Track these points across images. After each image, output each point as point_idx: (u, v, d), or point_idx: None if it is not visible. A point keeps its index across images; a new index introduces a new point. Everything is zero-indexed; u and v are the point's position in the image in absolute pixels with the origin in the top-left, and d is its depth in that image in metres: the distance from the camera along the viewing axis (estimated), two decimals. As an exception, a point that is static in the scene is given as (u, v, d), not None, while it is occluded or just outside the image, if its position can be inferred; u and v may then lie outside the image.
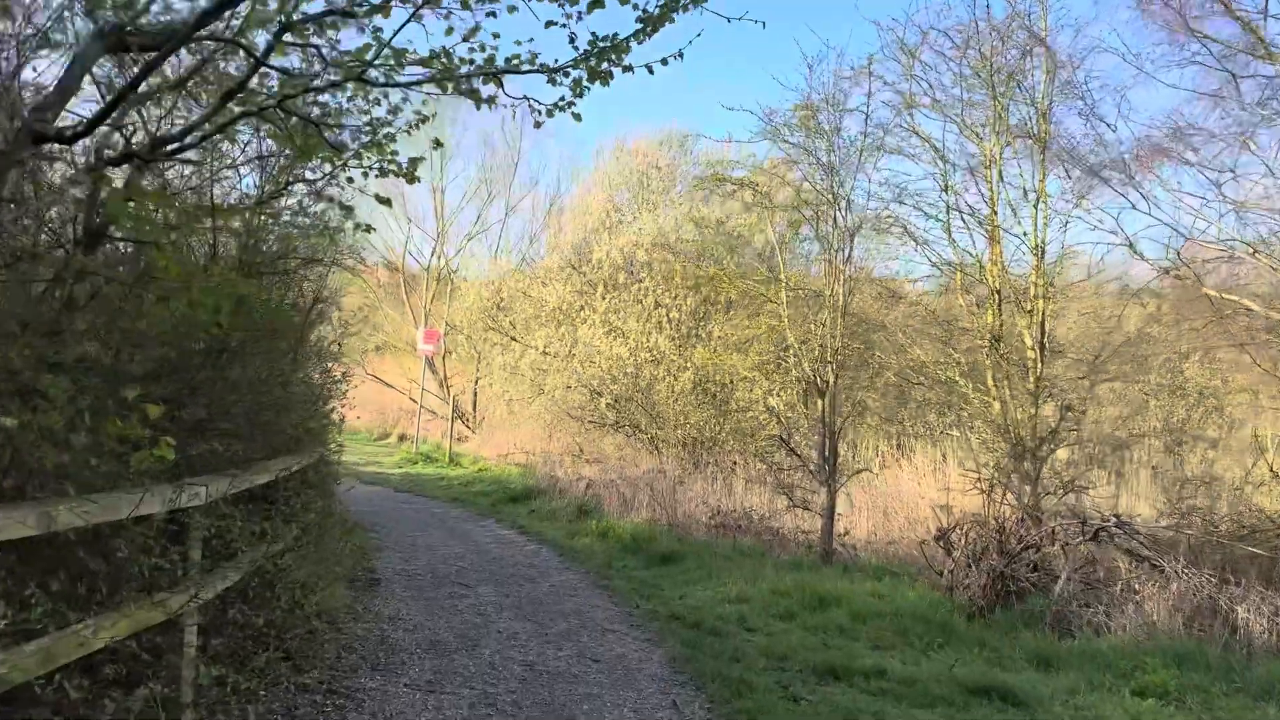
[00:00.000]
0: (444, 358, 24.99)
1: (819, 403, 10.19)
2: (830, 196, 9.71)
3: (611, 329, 17.28)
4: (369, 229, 6.05)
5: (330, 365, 8.69)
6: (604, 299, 17.45)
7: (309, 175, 5.85)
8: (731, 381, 15.72)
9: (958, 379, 10.39)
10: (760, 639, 6.70)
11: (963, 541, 8.91)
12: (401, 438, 24.76)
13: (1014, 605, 8.17)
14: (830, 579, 8.89)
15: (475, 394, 24.70)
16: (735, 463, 15.51)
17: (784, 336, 10.45)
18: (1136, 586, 7.62)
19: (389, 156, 5.74)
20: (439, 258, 27.52)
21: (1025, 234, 10.46)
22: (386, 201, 6.21)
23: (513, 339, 20.01)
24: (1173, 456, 11.99)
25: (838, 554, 10.51)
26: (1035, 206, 10.32)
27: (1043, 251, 10.46)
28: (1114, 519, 7.89)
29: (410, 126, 5.80)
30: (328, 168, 5.85)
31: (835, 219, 9.79)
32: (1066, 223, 10.58)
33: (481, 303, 20.89)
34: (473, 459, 20.26)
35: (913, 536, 12.27)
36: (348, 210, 5.60)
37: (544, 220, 25.70)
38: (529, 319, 19.88)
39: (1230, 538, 8.62)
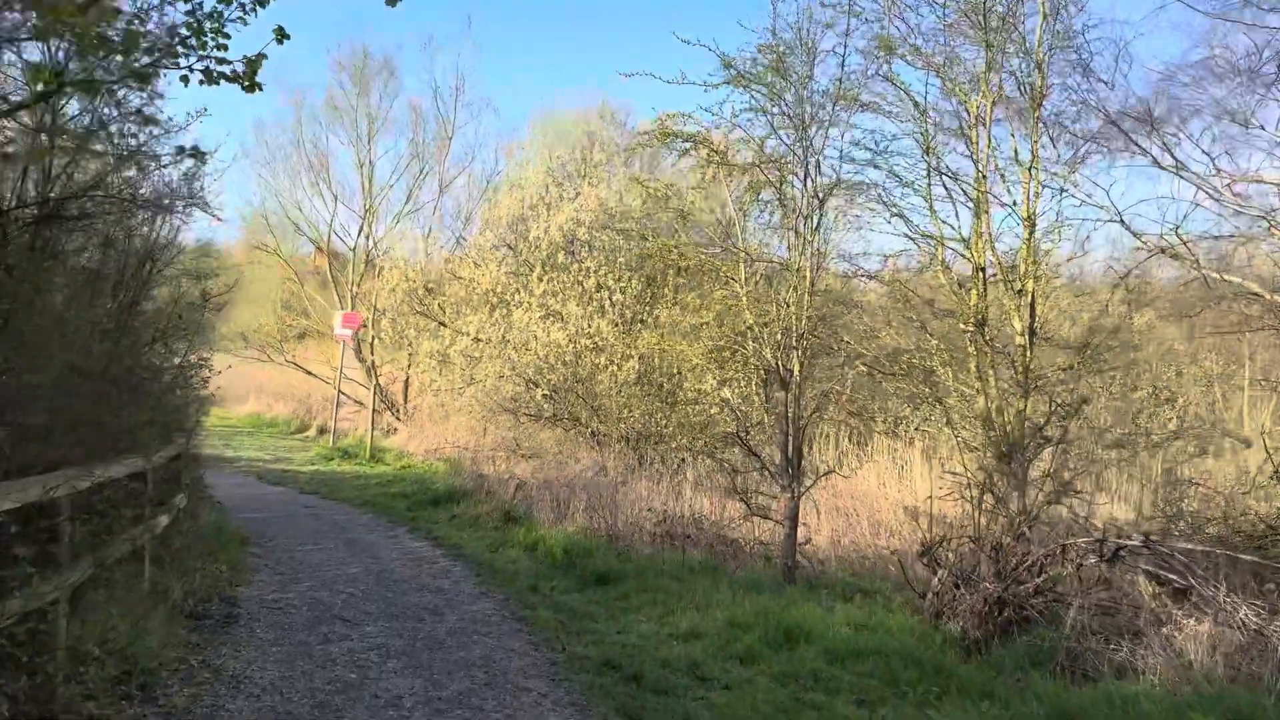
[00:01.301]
0: (370, 344, 23.11)
1: (781, 395, 8.81)
2: (800, 153, 8.30)
3: (549, 313, 15.74)
4: (198, 155, 4.45)
5: (185, 347, 6.99)
6: (541, 281, 15.89)
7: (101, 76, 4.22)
8: (680, 371, 14.31)
9: (938, 368, 9.09)
10: (718, 695, 5.26)
11: (951, 558, 7.60)
12: (322, 430, 22.88)
13: (1015, 637, 6.88)
14: (796, 603, 7.50)
15: (407, 384, 22.91)
16: (683, 460, 14.14)
17: (741, 319, 9.04)
18: (1163, 617, 6.37)
19: (215, 54, 4.14)
20: (368, 238, 25.60)
21: (1015, 203, 9.20)
22: (198, 155, 4.62)
23: (441, 324, 18.32)
24: (1164, 456, 10.88)
25: (800, 567, 9.15)
26: (1029, 170, 9.05)
27: (1034, 224, 9.20)
28: (1141, 537, 6.62)
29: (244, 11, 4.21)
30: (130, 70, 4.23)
31: (806, 178, 8.37)
32: (1062, 191, 9.33)
33: (407, 284, 19.13)
34: (398, 454, 18.57)
35: (879, 544, 11.02)
36: (148, 122, 4.00)
37: (479, 198, 23.94)
38: (459, 303, 18.22)
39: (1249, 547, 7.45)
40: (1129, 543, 6.59)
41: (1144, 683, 5.77)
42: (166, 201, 5.77)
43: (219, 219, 6.30)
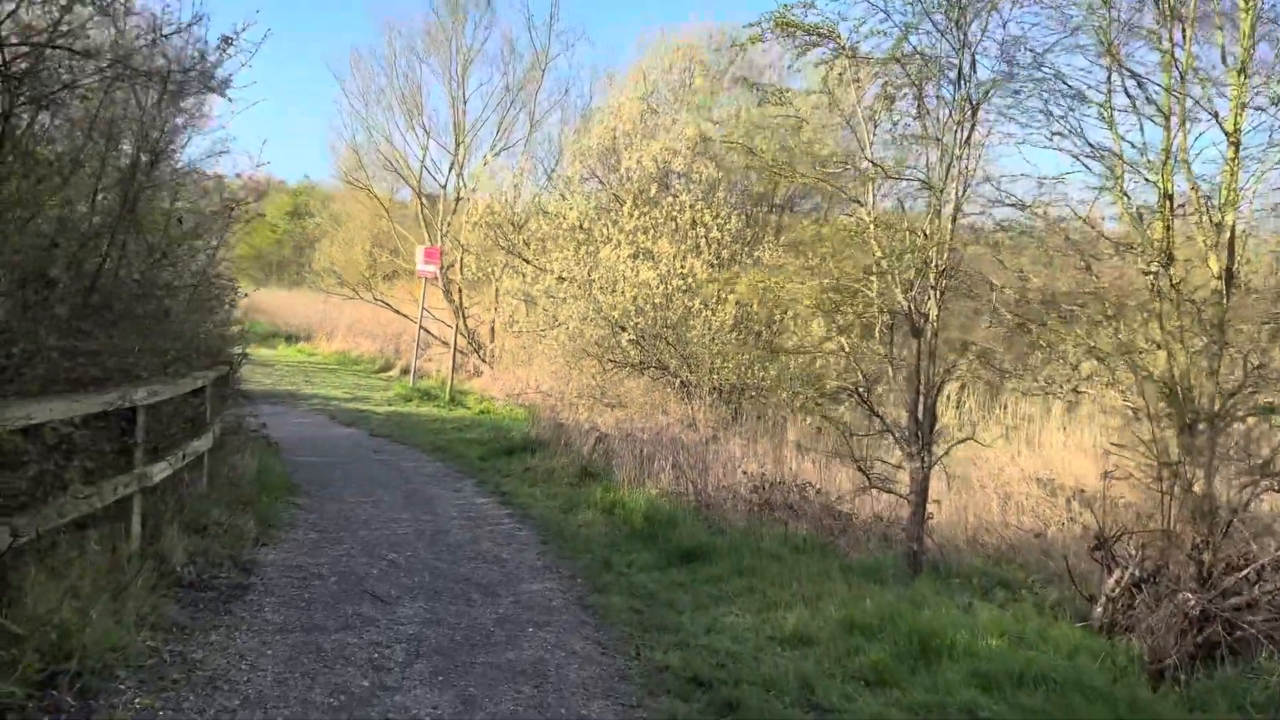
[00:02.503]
0: (457, 284, 22.19)
1: (913, 345, 7.28)
2: (955, 41, 6.64)
3: (639, 250, 14.36)
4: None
5: (204, 262, 5.89)
6: (632, 216, 14.49)
7: None
8: (781, 317, 12.79)
9: (1108, 317, 7.39)
10: (841, 738, 3.93)
11: (1133, 555, 6.03)
12: (405, 370, 22.19)
13: (1221, 664, 5.32)
14: (927, 600, 6.08)
15: (493, 325, 21.98)
16: (783, 417, 12.70)
17: (866, 252, 7.49)
18: None
19: None
20: (458, 175, 24.59)
21: (1218, 115, 7.33)
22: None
23: (525, 260, 17.15)
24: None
25: (926, 551, 7.68)
26: (1239, 73, 7.16)
27: (1239, 142, 7.33)
28: None
29: None
30: None
31: (959, 78, 6.72)
32: (1276, 104, 7.40)
33: (492, 218, 17.99)
34: (478, 398, 17.67)
35: (1009, 522, 9.44)
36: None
37: (574, 131, 22.57)
38: (545, 239, 16.99)
39: None
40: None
41: None
42: (166, 72, 4.60)
43: (227, 98, 5.04)
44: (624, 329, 14.21)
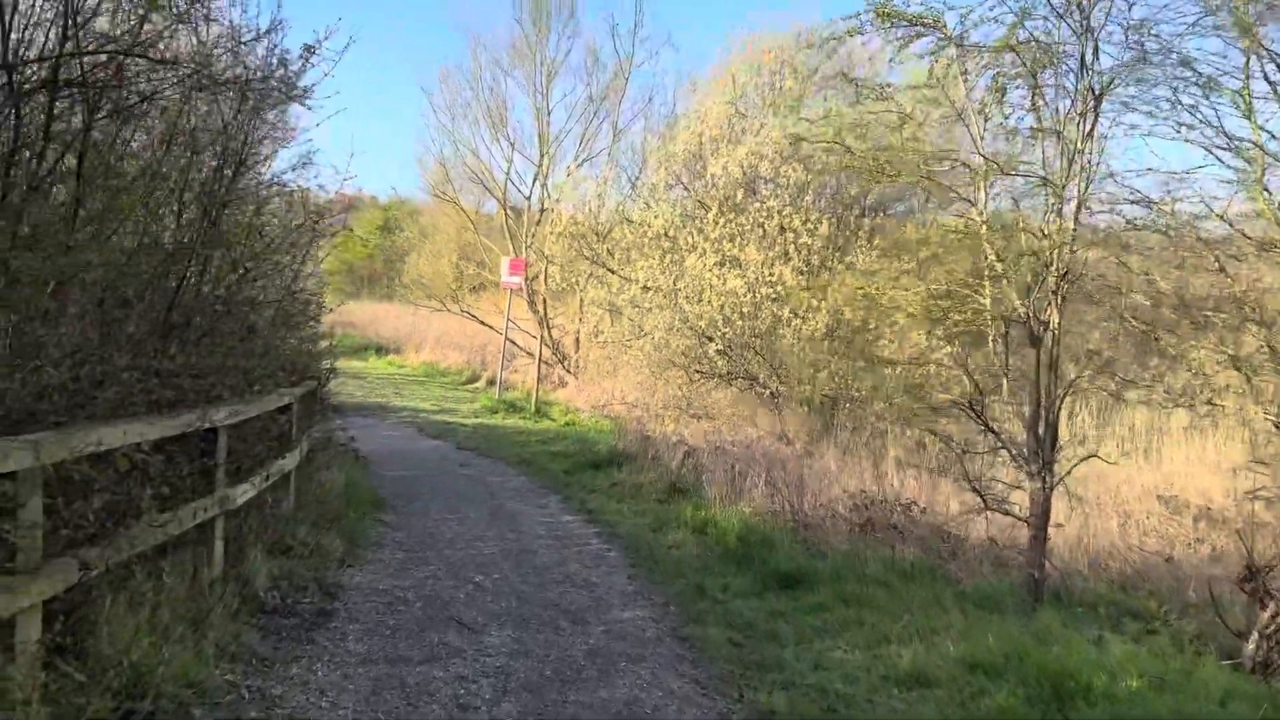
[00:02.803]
0: (541, 295, 22.18)
1: (1032, 354, 6.73)
2: (1078, 24, 6.10)
3: (725, 259, 13.99)
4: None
5: (289, 276, 5.78)
6: (718, 223, 14.12)
7: None
8: (877, 325, 12.24)
9: (1257, 323, 6.71)
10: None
11: (1292, 591, 5.39)
12: (491, 382, 22.26)
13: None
14: (1053, 633, 5.54)
15: (577, 336, 21.88)
16: (881, 430, 12.13)
17: (977, 254, 6.96)
18: None
19: None
20: (543, 186, 24.65)
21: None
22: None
23: (609, 270, 16.96)
24: None
25: (1048, 577, 7.09)
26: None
27: (1403, 127, 6.57)
28: None
29: None
30: None
31: (1082, 67, 6.18)
32: None
33: (576, 228, 17.86)
34: (563, 409, 17.51)
35: (1130, 543, 8.73)
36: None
37: (658, 138, 22.35)
38: (629, 248, 16.76)
39: None
40: None
41: None
42: (245, 80, 4.47)
43: (307, 106, 4.90)
44: (711, 339, 13.85)
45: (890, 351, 11.77)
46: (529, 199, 24.97)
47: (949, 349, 7.93)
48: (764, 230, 13.82)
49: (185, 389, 3.95)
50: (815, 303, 13.14)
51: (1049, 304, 6.67)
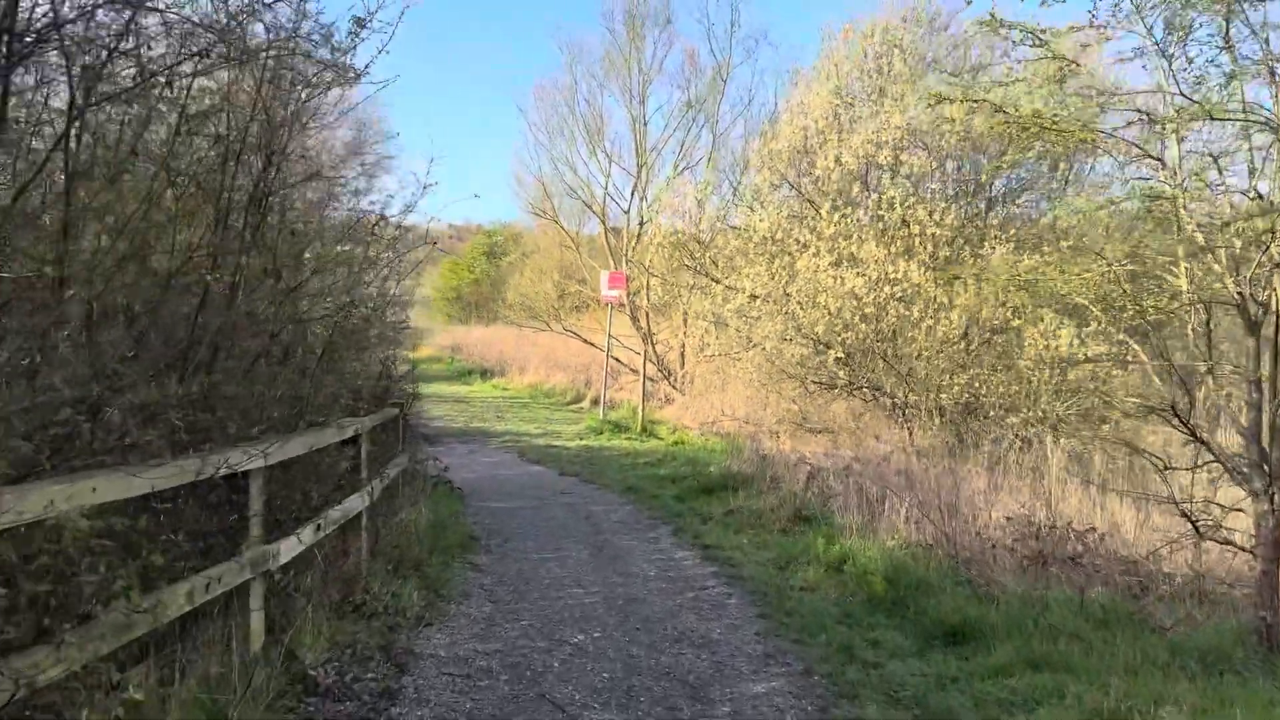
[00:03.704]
0: (644, 309, 21.33)
1: (1249, 344, 5.37)
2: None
3: (841, 258, 12.78)
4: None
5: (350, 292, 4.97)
6: (831, 219, 12.93)
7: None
8: (1021, 322, 10.85)
9: None
10: None
11: None
12: (595, 401, 21.52)
13: None
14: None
15: (683, 350, 20.92)
16: (1025, 440, 10.67)
17: (1167, 224, 5.65)
18: None
19: None
20: (641, 198, 23.90)
21: None
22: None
23: (713, 279, 15.94)
24: None
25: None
26: None
27: None
28: None
29: None
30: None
31: None
32: None
33: (676, 238, 16.93)
34: (671, 427, 16.55)
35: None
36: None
37: (759, 138, 21.29)
38: (733, 254, 15.71)
39: None
40: None
41: None
42: (267, 46, 3.71)
43: (356, 80, 4.10)
44: (829, 346, 12.64)
45: (1039, 351, 10.37)
46: (627, 213, 24.29)
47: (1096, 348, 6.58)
48: (884, 223, 12.57)
49: (196, 427, 3.16)
50: (946, 300, 11.82)
51: (1272, 280, 5.30)
